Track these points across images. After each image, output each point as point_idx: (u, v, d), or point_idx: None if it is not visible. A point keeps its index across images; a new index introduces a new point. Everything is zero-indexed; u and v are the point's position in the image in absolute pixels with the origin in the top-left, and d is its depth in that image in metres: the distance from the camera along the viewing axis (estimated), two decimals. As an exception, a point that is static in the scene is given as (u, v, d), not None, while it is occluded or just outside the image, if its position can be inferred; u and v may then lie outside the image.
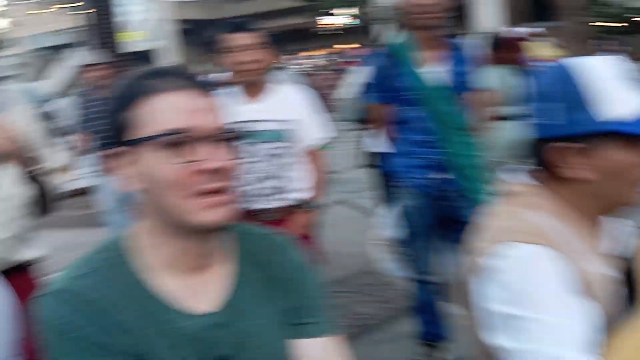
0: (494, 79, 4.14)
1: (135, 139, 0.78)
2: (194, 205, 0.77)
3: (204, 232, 0.80)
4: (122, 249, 0.83)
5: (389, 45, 2.45)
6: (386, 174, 4.32)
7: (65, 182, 1.62)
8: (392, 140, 2.53)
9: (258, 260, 0.91)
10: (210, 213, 0.77)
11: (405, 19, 2.35)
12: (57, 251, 4.65)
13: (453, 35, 2.51)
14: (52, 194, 1.54)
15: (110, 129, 0.81)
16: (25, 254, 1.44)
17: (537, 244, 0.85)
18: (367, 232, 4.98)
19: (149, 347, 0.79)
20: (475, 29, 23.37)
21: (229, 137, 0.80)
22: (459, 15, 28.30)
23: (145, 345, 0.79)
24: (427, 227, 2.46)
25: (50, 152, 1.57)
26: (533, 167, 0.94)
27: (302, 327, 0.90)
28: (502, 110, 4.22)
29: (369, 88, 2.51)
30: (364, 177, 8.09)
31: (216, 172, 0.77)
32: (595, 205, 0.90)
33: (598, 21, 16.66)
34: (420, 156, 2.41)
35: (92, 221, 6.19)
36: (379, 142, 3.87)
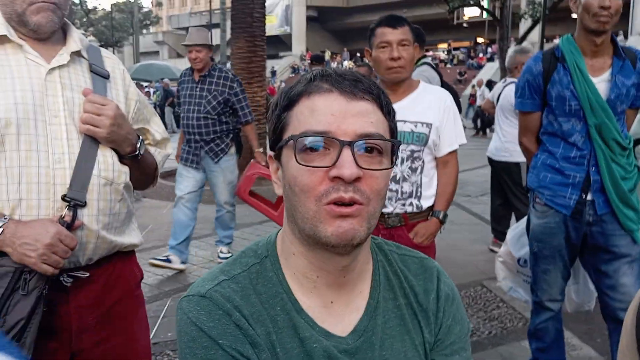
0: None
1: (281, 141, 0.81)
2: (324, 212, 0.76)
3: (329, 245, 0.78)
4: (270, 255, 0.87)
5: (555, 47, 2.31)
6: (522, 186, 4.12)
7: (167, 154, 1.64)
8: (538, 152, 2.41)
9: (400, 284, 0.90)
10: (336, 223, 0.76)
11: (580, 20, 2.19)
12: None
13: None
14: (154, 168, 1.58)
15: (271, 129, 0.85)
16: (126, 238, 1.46)
17: None
18: (485, 241, 4.81)
19: None
20: (635, 30, 21.40)
21: (377, 146, 0.78)
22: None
23: (282, 358, 0.81)
24: (562, 250, 2.33)
25: (154, 122, 1.60)
26: None
27: None
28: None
29: (522, 92, 2.38)
30: (484, 181, 7.83)
31: (351, 182, 0.75)
32: None
33: None
34: (570, 173, 2.26)
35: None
36: (517, 151, 3.71)
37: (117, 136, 1.35)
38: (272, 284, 0.84)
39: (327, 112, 0.77)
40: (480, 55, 30.52)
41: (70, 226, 1.26)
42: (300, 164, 0.76)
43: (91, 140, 1.33)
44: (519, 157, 3.83)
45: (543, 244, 2.35)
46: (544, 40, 14.62)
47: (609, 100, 2.17)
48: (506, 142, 4.27)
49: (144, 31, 43.53)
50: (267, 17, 8.14)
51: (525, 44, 20.37)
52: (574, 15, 2.25)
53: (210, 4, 24.03)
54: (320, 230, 0.76)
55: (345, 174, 0.74)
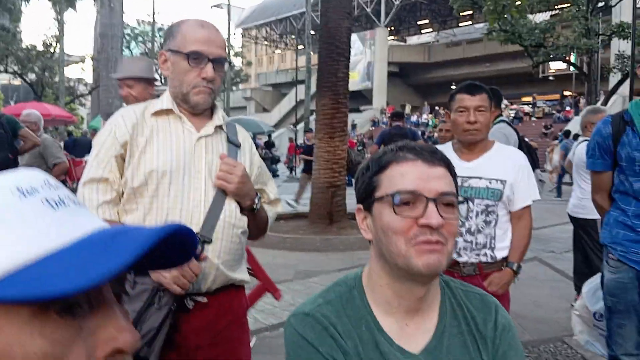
0: None
1: (376, 197, 1.04)
2: (414, 250, 0.98)
3: (419, 276, 1.00)
4: (357, 286, 1.10)
5: (624, 111, 2.44)
6: (597, 242, 4.08)
7: (277, 212, 1.94)
8: (611, 209, 2.51)
9: (463, 314, 1.09)
10: (425, 257, 0.97)
11: None
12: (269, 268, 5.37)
13: None
14: (265, 222, 1.86)
15: (362, 187, 1.08)
16: (240, 275, 1.73)
17: None
18: (568, 298, 4.70)
19: None
20: None
21: (451, 201, 1.02)
22: None
23: None
24: (636, 305, 2.38)
25: (270, 185, 1.92)
26: None
27: None
28: None
29: (593, 153, 2.51)
30: (568, 237, 7.59)
31: (436, 228, 0.97)
32: None
33: None
34: None
35: (290, 244, 7.02)
36: (593, 208, 3.73)
37: (241, 191, 1.67)
38: (358, 308, 1.06)
39: (415, 176, 1.01)
40: (568, 108, 29.64)
41: (198, 257, 1.57)
42: (396, 213, 1.00)
43: (222, 193, 1.66)
44: (596, 214, 3.84)
45: (617, 298, 2.40)
46: (633, 93, 14.11)
47: None
48: (582, 198, 4.26)
49: (234, 88, 46.34)
50: (349, 75, 8.58)
51: (615, 97, 19.67)
52: None
53: (296, 62, 25.38)
54: (412, 263, 0.98)
55: (433, 222, 0.97)
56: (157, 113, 1.69)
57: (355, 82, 37.32)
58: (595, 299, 2.58)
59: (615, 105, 19.22)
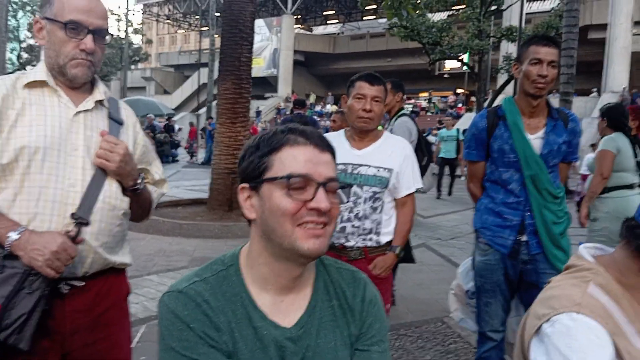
0: (613, 144, 4.14)
1: (267, 178, 1.05)
2: (300, 232, 1.02)
3: (302, 257, 1.05)
4: (234, 264, 1.12)
5: (498, 106, 2.60)
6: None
7: (162, 193, 1.90)
8: (482, 196, 2.70)
9: (334, 290, 1.16)
10: (311, 241, 1.03)
11: (521, 84, 2.50)
12: (151, 255, 5.25)
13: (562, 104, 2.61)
14: (149, 203, 1.81)
15: (250, 167, 1.08)
16: (121, 258, 1.69)
17: (586, 315, 1.03)
18: (449, 282, 5.06)
19: (241, 346, 1.05)
20: (608, 87, 22.48)
21: (336, 187, 1.08)
22: (592, 71, 27.16)
23: (239, 344, 1.05)
24: (501, 285, 2.58)
25: (155, 164, 1.87)
26: (633, 250, 1.10)
27: (363, 352, 1.14)
28: (621, 179, 4.17)
29: (469, 144, 2.69)
30: (454, 226, 8.13)
31: (323, 212, 1.03)
32: None
33: None
34: (508, 217, 2.54)
35: (186, 231, 6.88)
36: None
37: (123, 171, 1.62)
38: (234, 285, 1.09)
39: (306, 160, 1.05)
40: (460, 105, 31.52)
41: (74, 240, 1.50)
42: (287, 196, 1.03)
43: (101, 172, 1.60)
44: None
45: (484, 279, 2.61)
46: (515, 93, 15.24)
47: (542, 155, 2.48)
48: None
49: (133, 67, 44.11)
50: (255, 60, 8.53)
51: (502, 96, 21.21)
52: None
53: (200, 44, 24.66)
54: (298, 246, 1.02)
55: (322, 206, 1.02)
56: (30, 85, 1.58)
57: (260, 68, 37.02)
58: (469, 278, 2.77)
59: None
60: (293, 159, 1.05)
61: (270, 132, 1.10)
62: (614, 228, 4.27)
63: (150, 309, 4.18)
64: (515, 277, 2.57)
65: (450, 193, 12.06)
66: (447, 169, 12.37)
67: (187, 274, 1.13)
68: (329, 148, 1.10)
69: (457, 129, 12.77)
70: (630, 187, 4.23)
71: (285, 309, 1.11)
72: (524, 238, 2.52)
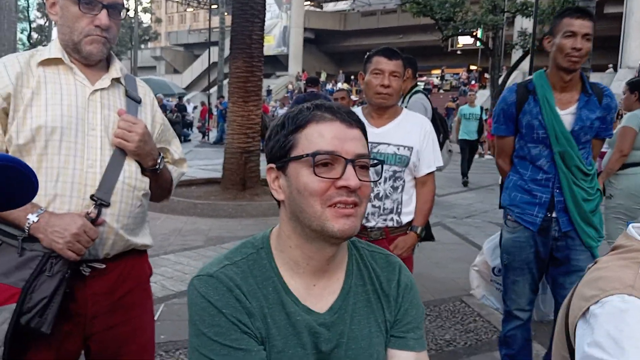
0: (636, 121, 4.02)
1: (293, 156, 1.01)
2: (330, 213, 0.98)
3: (332, 239, 1.00)
4: (265, 247, 1.07)
5: (529, 80, 2.53)
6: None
7: (182, 172, 1.85)
8: (510, 172, 2.63)
9: (368, 274, 1.11)
10: (342, 221, 0.97)
11: (554, 58, 2.41)
12: (167, 234, 5.26)
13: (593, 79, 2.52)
14: (169, 183, 1.77)
15: (276, 146, 1.04)
16: (142, 239, 1.66)
17: (638, 298, 0.96)
18: (467, 260, 5.02)
19: (274, 332, 1.01)
20: (624, 63, 22.00)
21: (367, 163, 1.02)
22: (608, 46, 26.63)
23: (272, 330, 1.01)
24: (530, 263, 2.52)
25: (174, 144, 1.81)
26: None
27: (399, 339, 1.10)
28: (636, 156, 4.07)
29: (498, 119, 2.62)
30: (469, 204, 8.06)
31: (353, 190, 0.98)
32: None
33: None
34: (537, 194, 2.47)
35: (201, 210, 6.89)
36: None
37: (142, 150, 1.57)
38: (265, 269, 1.04)
39: (333, 136, 0.99)
40: (473, 82, 31.11)
41: (94, 221, 1.46)
42: (315, 174, 0.97)
43: (120, 152, 1.55)
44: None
45: (512, 256, 2.55)
46: (532, 70, 14.99)
47: (572, 131, 2.40)
48: None
49: (142, 46, 43.93)
50: (265, 38, 8.40)
51: (516, 72, 20.86)
52: None
53: (209, 23, 24.45)
54: (327, 227, 0.97)
55: (351, 184, 0.97)
56: (45, 62, 1.53)
57: (270, 46, 36.70)
58: (495, 255, 2.72)
59: (516, 80, 20.40)
60: (319, 135, 1.00)
61: (296, 110, 1.05)
62: (629, 205, 4.22)
63: (168, 288, 4.19)
64: (545, 256, 2.51)
65: (466, 180, 10.49)
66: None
67: (216, 257, 1.08)
68: (357, 123, 1.04)
69: (481, 107, 10.98)
70: (637, 165, 4.13)
71: (318, 294, 1.06)
72: (554, 215, 2.45)
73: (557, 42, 2.37)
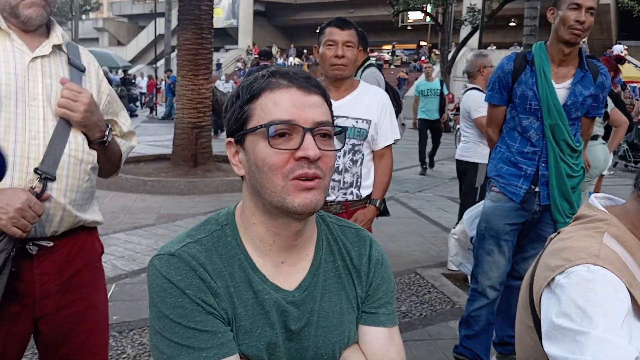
0: None
1: (248, 129, 0.95)
2: (291, 187, 0.91)
3: (295, 214, 0.94)
4: (229, 223, 1.02)
5: (528, 50, 2.53)
6: (474, 186, 4.40)
7: (132, 146, 1.77)
8: (498, 143, 2.64)
9: (338, 249, 1.07)
10: (302, 195, 0.92)
11: (556, 30, 2.40)
12: (116, 213, 5.10)
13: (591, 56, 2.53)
14: (118, 157, 1.69)
15: (232, 118, 0.98)
16: (91, 215, 1.59)
17: (604, 267, 0.99)
18: (420, 233, 5.11)
19: (241, 311, 0.96)
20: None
21: (329, 131, 0.96)
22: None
23: (239, 309, 0.96)
24: (506, 232, 2.55)
25: (122, 116, 1.73)
26: None
27: (370, 315, 1.07)
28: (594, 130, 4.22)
29: (492, 86, 2.60)
30: (421, 178, 8.21)
31: (314, 161, 0.91)
32: None
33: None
34: (522, 166, 2.50)
35: (151, 188, 6.71)
36: (477, 153, 3.95)
37: (88, 122, 1.47)
38: (231, 246, 0.99)
39: (289, 104, 0.93)
40: (423, 58, 31.46)
41: (40, 196, 1.37)
42: (271, 146, 0.91)
43: (65, 123, 1.45)
44: (477, 158, 4.10)
45: (490, 224, 2.58)
46: (482, 46, 15.27)
47: (565, 106, 2.42)
48: (468, 142, 4.51)
49: (84, 17, 41.92)
50: (213, 10, 8.15)
51: (464, 49, 21.21)
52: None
53: (155, -7, 23.56)
54: (288, 202, 0.92)
55: (310, 154, 0.90)
56: None
57: (219, 18, 35.78)
58: (474, 225, 2.75)
59: (464, 56, 20.75)
60: (274, 104, 0.93)
61: (251, 78, 0.99)
62: None
63: (119, 268, 4.06)
64: (520, 227, 2.55)
65: (432, 164, 9.24)
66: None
67: (178, 235, 1.02)
68: (317, 88, 0.97)
69: (441, 80, 9.49)
70: (594, 138, 4.29)
71: (286, 271, 1.02)
72: (537, 189, 2.49)
73: (561, 14, 2.36)
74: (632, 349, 0.92)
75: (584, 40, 2.53)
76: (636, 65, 16.21)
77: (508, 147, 2.56)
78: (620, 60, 5.15)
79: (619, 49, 18.69)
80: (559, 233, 1.16)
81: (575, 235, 1.09)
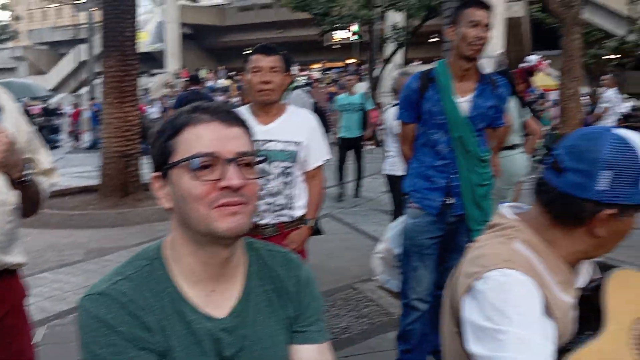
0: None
1: (172, 162, 0.98)
2: (215, 213, 0.95)
3: (222, 239, 0.98)
4: (158, 257, 1.04)
5: (432, 68, 2.64)
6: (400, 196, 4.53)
7: (54, 183, 1.73)
8: (412, 159, 2.75)
9: (268, 274, 1.11)
10: (229, 220, 0.95)
11: (456, 47, 2.53)
12: (41, 251, 4.89)
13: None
14: (40, 195, 1.65)
15: (157, 153, 1.01)
16: (15, 258, 1.55)
17: (516, 270, 1.07)
18: (357, 248, 5.21)
19: (174, 344, 0.98)
20: (485, 53, 24.01)
21: (251, 160, 1.00)
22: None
23: (172, 341, 0.98)
24: (430, 247, 2.65)
25: (42, 153, 1.69)
26: (542, 206, 1.15)
27: (301, 334, 1.11)
28: (508, 140, 4.47)
29: (402, 105, 2.72)
30: (352, 194, 8.36)
31: (237, 190, 0.96)
32: (583, 254, 1.16)
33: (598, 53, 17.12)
34: (435, 180, 2.60)
35: (78, 222, 6.44)
36: (398, 166, 4.07)
37: (9, 161, 1.43)
38: (161, 280, 1.01)
39: (212, 137, 0.97)
40: (349, 76, 32.06)
41: None
42: (195, 179, 0.95)
43: None
44: (404, 172, 4.23)
45: (413, 241, 2.67)
46: (407, 61, 15.80)
47: (470, 118, 2.56)
48: (392, 157, 4.63)
49: (1, 46, 39.97)
50: (138, 34, 8.03)
51: (390, 65, 21.92)
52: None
53: (78, 18, 22.81)
54: (214, 227, 0.95)
55: (234, 184, 0.95)
56: None
57: (144, 42, 35.08)
58: (399, 241, 2.79)
59: (390, 72, 21.42)
60: (197, 138, 0.97)
61: (175, 114, 1.03)
62: (498, 186, 4.61)
63: (47, 309, 3.88)
64: (442, 240, 2.65)
65: (357, 193, 8.25)
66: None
67: (107, 273, 1.02)
68: (237, 121, 1.02)
69: (362, 94, 8.44)
70: (512, 147, 4.55)
71: (217, 300, 1.04)
72: (451, 200, 2.60)
73: (461, 31, 2.50)
74: (549, 343, 1.01)
75: (502, 52, 2.73)
76: (549, 75, 17.30)
77: (421, 162, 2.67)
78: (531, 72, 5.51)
79: (534, 59, 19.88)
80: (475, 241, 1.25)
81: (489, 242, 1.19)
